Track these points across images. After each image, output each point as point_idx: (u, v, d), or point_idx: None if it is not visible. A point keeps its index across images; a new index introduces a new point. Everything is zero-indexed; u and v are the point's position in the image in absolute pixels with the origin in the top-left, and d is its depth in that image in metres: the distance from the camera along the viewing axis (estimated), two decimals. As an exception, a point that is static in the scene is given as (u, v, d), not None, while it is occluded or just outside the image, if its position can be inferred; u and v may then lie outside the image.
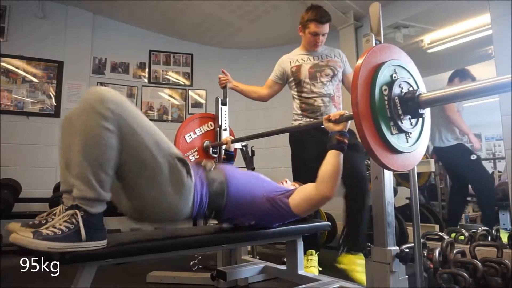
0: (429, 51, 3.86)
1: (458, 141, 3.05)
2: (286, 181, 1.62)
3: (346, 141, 1.32)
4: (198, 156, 2.37)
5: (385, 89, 1.05)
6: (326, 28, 2.23)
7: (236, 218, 1.38)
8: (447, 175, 3.55)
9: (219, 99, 2.37)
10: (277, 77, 2.42)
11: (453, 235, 2.58)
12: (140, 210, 1.18)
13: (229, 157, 2.14)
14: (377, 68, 1.05)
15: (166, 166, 1.13)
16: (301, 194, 1.39)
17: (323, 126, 1.54)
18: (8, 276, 2.36)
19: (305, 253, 2.07)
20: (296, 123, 2.30)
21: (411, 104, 1.07)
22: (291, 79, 2.36)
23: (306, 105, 2.29)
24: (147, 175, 1.11)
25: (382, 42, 1.25)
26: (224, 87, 2.40)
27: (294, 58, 2.38)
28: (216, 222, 1.49)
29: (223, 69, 2.44)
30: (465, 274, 1.65)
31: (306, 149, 2.22)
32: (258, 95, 2.47)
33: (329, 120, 1.35)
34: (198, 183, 1.26)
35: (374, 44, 1.22)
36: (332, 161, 1.31)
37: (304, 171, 2.24)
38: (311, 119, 2.24)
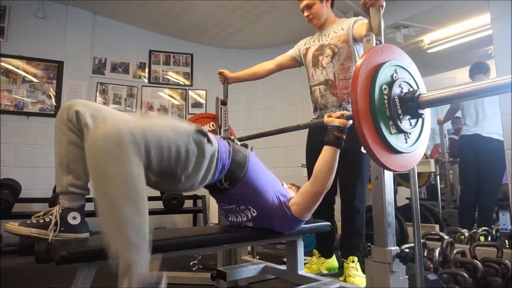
0: (429, 51, 3.86)
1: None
2: (282, 184, 1.62)
3: (344, 137, 1.33)
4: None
5: (385, 88, 1.05)
6: (303, 1, 2.09)
7: (242, 199, 1.37)
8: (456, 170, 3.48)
9: (219, 99, 2.36)
10: (292, 53, 2.30)
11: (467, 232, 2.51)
12: (175, 185, 1.21)
13: None
14: (378, 67, 1.05)
15: (191, 144, 1.14)
16: (299, 194, 1.40)
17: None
18: (8, 276, 2.36)
19: (346, 259, 2.04)
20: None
21: (411, 104, 1.07)
22: (304, 64, 2.25)
23: (312, 96, 2.18)
24: (183, 161, 1.13)
25: (383, 42, 1.25)
26: (224, 83, 2.39)
27: (308, 40, 2.25)
28: (216, 221, 1.48)
29: (221, 69, 2.40)
30: (465, 274, 1.65)
31: (309, 147, 2.22)
32: (260, 73, 2.34)
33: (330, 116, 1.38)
34: (222, 149, 1.28)
35: (374, 44, 1.22)
36: (326, 157, 1.33)
37: (307, 167, 2.23)
38: (315, 113, 2.16)
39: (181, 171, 1.14)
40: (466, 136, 3.13)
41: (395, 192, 3.82)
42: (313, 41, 2.18)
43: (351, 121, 1.33)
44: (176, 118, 1.23)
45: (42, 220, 1.11)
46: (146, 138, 1.00)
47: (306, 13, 2.11)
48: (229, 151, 1.31)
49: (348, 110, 1.91)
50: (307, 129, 2.25)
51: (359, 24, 1.94)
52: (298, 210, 1.37)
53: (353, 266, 1.96)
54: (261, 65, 2.37)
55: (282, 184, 1.61)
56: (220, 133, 2.30)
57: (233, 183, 1.32)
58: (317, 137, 2.09)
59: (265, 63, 2.36)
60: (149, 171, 1.07)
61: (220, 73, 2.36)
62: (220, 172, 1.27)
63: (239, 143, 1.44)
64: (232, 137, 1.47)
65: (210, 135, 1.23)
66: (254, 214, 1.38)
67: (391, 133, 1.04)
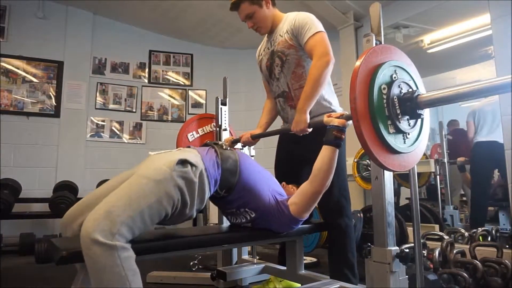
0: (429, 51, 3.86)
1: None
2: (284, 184, 1.62)
3: (343, 137, 1.34)
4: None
5: (384, 88, 1.05)
6: (241, 12, 1.78)
7: (241, 203, 1.38)
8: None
9: (219, 99, 2.36)
10: (262, 77, 1.97)
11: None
12: (184, 216, 1.24)
13: None
14: (377, 67, 1.05)
15: (178, 180, 1.15)
16: (298, 193, 1.40)
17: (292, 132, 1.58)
18: (8, 276, 2.36)
19: None
20: None
21: (410, 104, 1.07)
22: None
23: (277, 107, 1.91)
24: (178, 201, 1.16)
25: (383, 42, 1.25)
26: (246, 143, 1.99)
27: (259, 51, 1.95)
28: (216, 222, 1.48)
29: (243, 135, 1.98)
30: (465, 274, 1.65)
31: (278, 153, 1.99)
32: (275, 110, 1.95)
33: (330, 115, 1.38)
34: (209, 165, 1.26)
35: (374, 45, 1.22)
36: (326, 157, 1.33)
37: (277, 173, 1.95)
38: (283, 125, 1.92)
39: (182, 207, 1.18)
40: (484, 143, 3.22)
41: (398, 193, 3.84)
42: (264, 50, 1.88)
43: (350, 122, 1.33)
44: (156, 160, 1.19)
45: None
46: (127, 223, 1.03)
47: (249, 24, 1.82)
48: (216, 162, 1.29)
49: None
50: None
51: (309, 40, 1.62)
52: (297, 210, 1.37)
53: None
54: (268, 106, 2.00)
55: (284, 185, 1.61)
56: (219, 134, 2.30)
57: (229, 190, 1.34)
58: (285, 145, 1.93)
59: (267, 101, 2.02)
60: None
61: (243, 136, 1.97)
62: (214, 185, 1.28)
63: (227, 147, 1.40)
64: (220, 142, 1.44)
65: (192, 158, 1.21)
66: (252, 216, 1.39)
67: (389, 133, 1.04)
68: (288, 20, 1.75)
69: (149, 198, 1.09)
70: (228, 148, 1.39)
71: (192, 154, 1.24)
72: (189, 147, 1.39)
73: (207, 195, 1.26)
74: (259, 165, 1.49)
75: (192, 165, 1.20)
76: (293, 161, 1.84)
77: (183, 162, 1.18)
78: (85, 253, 0.97)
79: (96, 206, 1.05)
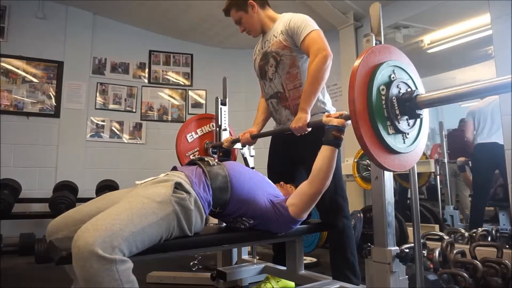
0: (429, 51, 3.86)
1: None
2: (281, 184, 1.61)
3: (343, 136, 1.33)
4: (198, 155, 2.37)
5: (382, 89, 1.05)
6: (233, 17, 1.85)
7: (237, 214, 1.38)
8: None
9: (219, 99, 2.36)
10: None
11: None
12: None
13: (226, 154, 2.12)
14: (375, 68, 1.05)
15: (175, 207, 1.15)
16: (296, 193, 1.40)
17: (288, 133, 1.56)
18: (8, 276, 2.36)
19: None
20: None
21: (409, 105, 1.07)
22: None
23: (268, 109, 1.93)
24: (175, 226, 1.16)
25: (383, 42, 1.25)
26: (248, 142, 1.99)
27: (255, 49, 1.95)
28: (216, 221, 1.48)
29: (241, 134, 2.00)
30: (465, 274, 1.65)
31: (271, 153, 2.05)
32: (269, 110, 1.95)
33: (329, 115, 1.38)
34: (200, 190, 1.25)
35: (374, 45, 1.22)
36: (326, 157, 1.33)
37: (270, 173, 1.96)
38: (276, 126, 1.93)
39: (179, 233, 1.18)
40: (485, 144, 3.22)
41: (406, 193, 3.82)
42: (258, 50, 1.89)
43: (349, 122, 1.33)
44: (150, 186, 1.18)
45: None
46: (124, 244, 0.98)
47: (241, 29, 1.89)
48: (206, 184, 1.28)
49: None
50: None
51: (305, 38, 1.62)
52: (296, 211, 1.36)
53: None
54: (262, 104, 2.01)
55: (282, 185, 1.61)
56: (219, 134, 2.30)
57: (223, 206, 1.33)
58: (278, 145, 1.96)
59: (262, 100, 2.02)
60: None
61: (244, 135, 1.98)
62: (208, 207, 1.29)
63: (214, 162, 1.37)
64: (206, 158, 1.40)
65: (186, 185, 1.21)
66: (251, 222, 1.39)
67: (389, 134, 1.04)
68: (283, 21, 1.75)
69: (151, 217, 1.07)
70: (216, 164, 1.37)
71: (183, 181, 1.22)
72: (175, 168, 1.38)
73: (204, 215, 1.27)
74: (249, 169, 1.49)
75: (186, 191, 1.20)
76: (287, 161, 1.84)
77: (178, 189, 1.18)
78: (81, 265, 0.91)
79: (91, 219, 1.00)
